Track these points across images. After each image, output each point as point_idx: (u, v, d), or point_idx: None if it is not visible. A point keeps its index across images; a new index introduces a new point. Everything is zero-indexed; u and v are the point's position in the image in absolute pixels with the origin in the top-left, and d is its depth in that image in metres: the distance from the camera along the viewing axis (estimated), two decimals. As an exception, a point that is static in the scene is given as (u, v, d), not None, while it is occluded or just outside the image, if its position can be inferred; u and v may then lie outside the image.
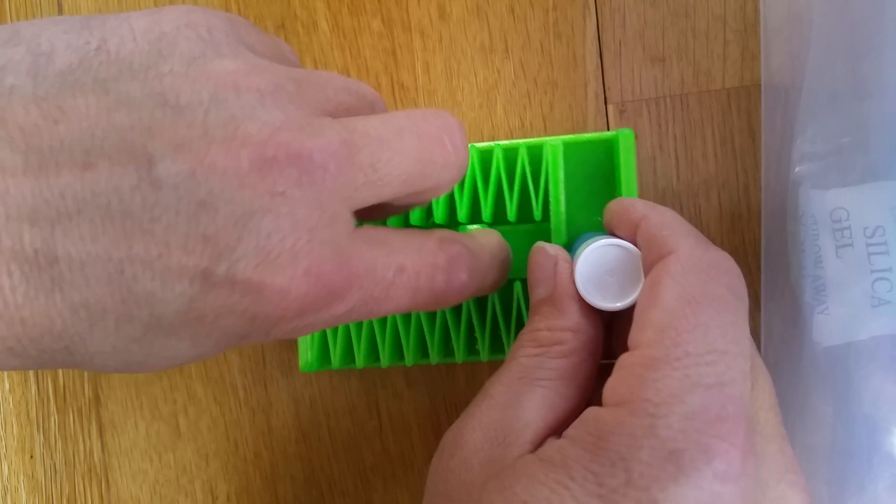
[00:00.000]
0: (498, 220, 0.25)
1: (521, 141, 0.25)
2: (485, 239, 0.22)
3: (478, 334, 0.25)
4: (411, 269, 0.18)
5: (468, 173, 0.25)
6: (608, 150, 0.25)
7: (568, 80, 0.27)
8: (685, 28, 0.27)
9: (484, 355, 0.25)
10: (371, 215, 0.19)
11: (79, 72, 0.14)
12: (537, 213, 0.24)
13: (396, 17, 0.28)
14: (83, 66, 0.14)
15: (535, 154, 0.25)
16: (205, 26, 0.16)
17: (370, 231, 0.17)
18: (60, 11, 0.30)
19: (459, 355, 0.25)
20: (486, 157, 0.25)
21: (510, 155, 0.25)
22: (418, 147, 0.17)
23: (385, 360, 0.25)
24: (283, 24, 0.29)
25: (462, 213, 0.24)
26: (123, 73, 0.15)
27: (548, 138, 0.25)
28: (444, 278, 0.19)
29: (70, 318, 0.14)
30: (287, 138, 0.15)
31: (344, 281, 0.16)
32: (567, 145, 0.25)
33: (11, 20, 0.30)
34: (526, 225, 0.25)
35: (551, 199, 0.24)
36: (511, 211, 0.24)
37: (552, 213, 0.24)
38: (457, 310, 0.25)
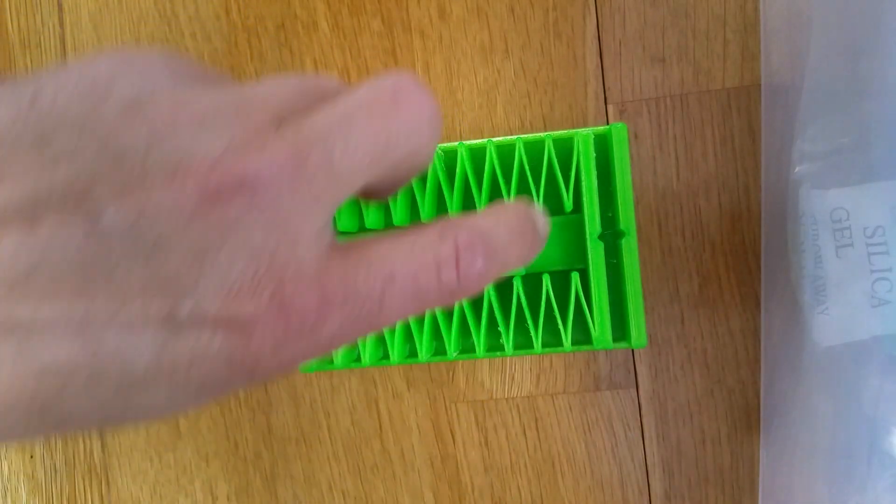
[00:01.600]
0: None
1: (537, 136, 0.24)
2: (500, 214, 0.20)
3: (502, 328, 0.24)
4: (404, 274, 0.17)
5: (486, 170, 0.24)
6: (602, 145, 0.25)
7: (568, 80, 0.27)
8: (685, 28, 0.27)
9: (509, 350, 0.24)
10: (367, 200, 0.18)
11: (17, 129, 0.14)
12: (568, 205, 0.24)
13: (396, 17, 0.28)
14: (19, 122, 0.14)
15: (536, 149, 0.25)
16: (138, 68, 0.16)
17: (348, 245, 0.17)
18: (60, 10, 0.30)
19: (480, 350, 0.24)
20: (506, 152, 0.24)
21: (532, 148, 0.25)
22: (370, 123, 0.16)
23: (396, 357, 0.24)
24: (283, 24, 0.29)
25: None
26: (61, 126, 0.14)
27: (547, 133, 0.24)
28: (453, 271, 0.18)
29: (41, 382, 0.14)
30: (230, 163, 0.15)
31: (317, 303, 0.15)
32: (562, 140, 0.25)
33: (11, 20, 0.30)
34: (556, 217, 0.25)
35: (585, 190, 0.24)
36: (539, 202, 0.24)
37: (588, 204, 0.23)
38: (476, 303, 0.24)
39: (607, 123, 0.27)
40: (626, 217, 0.24)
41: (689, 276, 0.27)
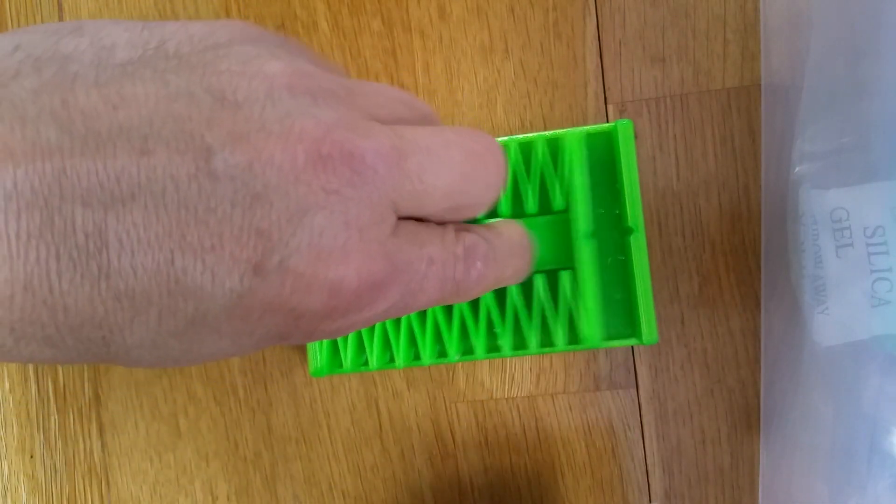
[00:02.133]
0: (516, 213, 0.25)
1: (528, 136, 0.25)
2: (502, 228, 0.22)
3: (498, 329, 0.25)
4: (439, 260, 0.18)
5: None
6: (607, 142, 0.25)
7: (568, 80, 0.27)
8: (685, 28, 0.27)
9: (507, 351, 0.24)
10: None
11: (138, 64, 0.15)
12: (559, 203, 0.24)
13: (396, 17, 0.28)
14: (143, 60, 0.15)
15: (525, 149, 0.25)
16: (257, 35, 0.16)
17: (406, 226, 0.18)
18: (60, 11, 0.30)
19: (480, 352, 0.25)
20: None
21: (527, 149, 0.25)
22: (464, 162, 0.18)
23: (401, 360, 0.25)
24: (283, 24, 0.29)
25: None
26: (182, 67, 0.15)
27: (550, 132, 0.25)
28: (463, 268, 0.19)
29: (113, 308, 0.14)
30: (341, 137, 0.15)
31: (389, 277, 0.16)
32: (566, 138, 0.25)
33: (11, 20, 0.30)
34: (547, 216, 0.25)
35: (575, 188, 0.24)
36: (531, 202, 0.24)
37: (576, 203, 0.24)
38: (474, 304, 0.25)
39: (607, 123, 0.27)
40: (634, 213, 0.24)
41: (689, 276, 0.27)
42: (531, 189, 0.24)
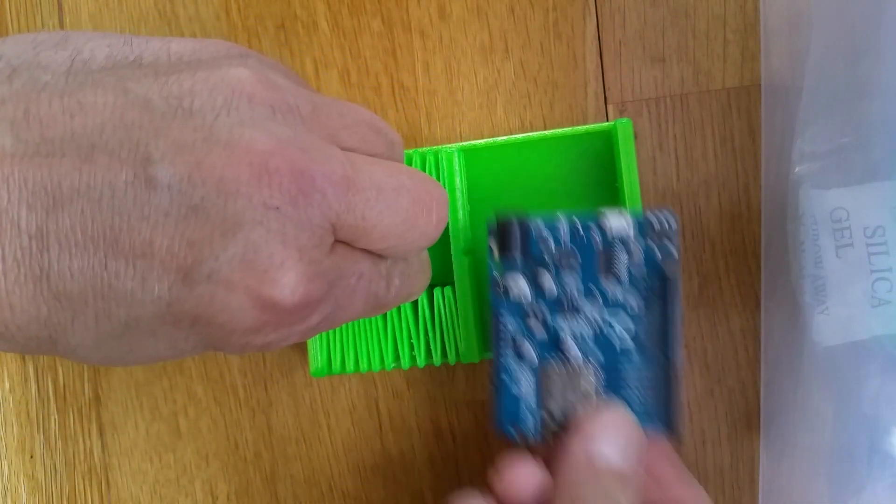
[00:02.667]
0: None
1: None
2: None
3: (414, 341, 0.25)
4: (367, 276, 0.18)
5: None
6: (607, 141, 0.25)
7: (568, 80, 0.27)
8: (685, 28, 0.27)
9: (404, 363, 0.25)
10: None
11: (106, 73, 0.15)
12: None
13: (396, 17, 0.28)
14: (113, 70, 0.15)
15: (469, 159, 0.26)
16: (242, 52, 0.17)
17: (336, 243, 0.18)
18: (60, 11, 0.30)
19: (404, 361, 0.25)
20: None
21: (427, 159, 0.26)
22: (408, 210, 0.18)
23: (374, 363, 0.25)
24: (283, 24, 0.29)
25: None
26: (146, 77, 0.15)
27: (529, 134, 0.25)
28: (385, 284, 0.19)
29: (55, 308, 0.14)
30: (293, 154, 0.15)
31: (323, 294, 0.16)
32: (565, 138, 0.25)
33: (11, 20, 0.30)
34: None
35: (452, 207, 0.25)
36: None
37: (450, 220, 0.25)
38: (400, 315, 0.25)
39: (606, 122, 0.27)
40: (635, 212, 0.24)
41: (689, 276, 0.27)
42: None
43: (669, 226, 0.21)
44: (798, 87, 0.23)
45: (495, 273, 0.21)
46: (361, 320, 0.25)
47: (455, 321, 0.25)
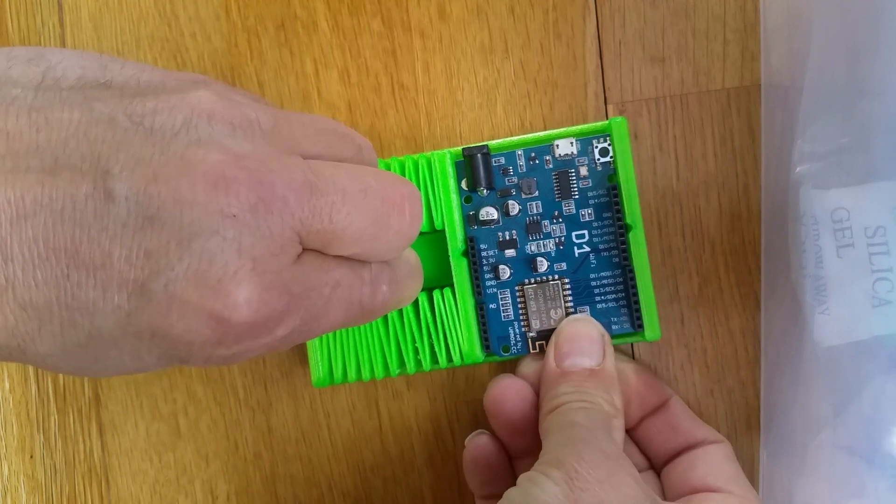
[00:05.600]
0: None
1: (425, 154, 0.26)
2: (401, 255, 0.22)
3: (419, 345, 0.25)
4: (346, 284, 0.18)
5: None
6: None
7: (568, 80, 0.27)
8: (685, 28, 0.27)
9: (410, 368, 0.25)
10: None
11: (75, 91, 0.15)
12: (437, 222, 0.25)
13: (396, 17, 0.28)
14: (82, 89, 0.15)
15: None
16: (204, 79, 0.17)
17: (312, 252, 0.18)
18: (60, 11, 0.30)
19: (410, 367, 0.25)
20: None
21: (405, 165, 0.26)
22: (378, 209, 0.18)
23: (378, 371, 0.26)
24: (282, 24, 0.29)
25: None
26: (112, 97, 0.15)
27: (516, 138, 0.25)
28: (370, 291, 0.19)
29: (21, 318, 0.14)
30: (251, 165, 0.15)
31: (285, 306, 0.16)
32: (562, 138, 0.25)
33: (11, 21, 0.30)
34: (428, 235, 0.26)
35: (445, 209, 0.25)
36: None
37: (447, 221, 0.25)
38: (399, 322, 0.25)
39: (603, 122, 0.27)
40: (632, 210, 0.24)
41: (689, 276, 0.27)
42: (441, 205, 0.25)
43: (608, 140, 0.25)
44: (798, 87, 0.23)
45: (468, 207, 0.25)
46: (362, 327, 0.25)
47: (456, 323, 0.25)
